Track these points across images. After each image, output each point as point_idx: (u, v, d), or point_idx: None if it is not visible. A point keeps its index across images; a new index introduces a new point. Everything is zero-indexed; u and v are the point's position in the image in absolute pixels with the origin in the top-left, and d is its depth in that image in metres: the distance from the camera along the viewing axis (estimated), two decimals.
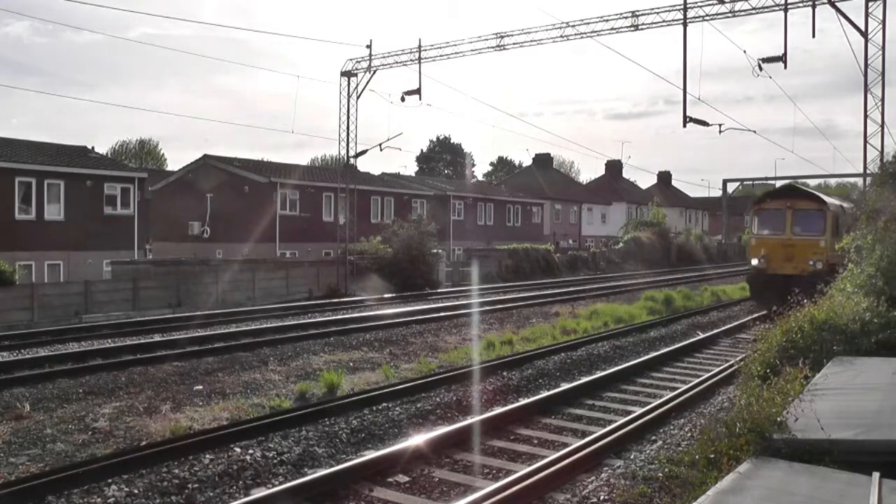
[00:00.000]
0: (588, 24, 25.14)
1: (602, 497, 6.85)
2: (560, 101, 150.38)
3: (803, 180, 34.63)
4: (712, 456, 6.22)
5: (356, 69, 31.11)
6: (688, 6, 23.09)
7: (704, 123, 23.35)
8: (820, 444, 5.61)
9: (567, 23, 25.55)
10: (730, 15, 22.94)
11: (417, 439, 8.50)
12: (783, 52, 21.81)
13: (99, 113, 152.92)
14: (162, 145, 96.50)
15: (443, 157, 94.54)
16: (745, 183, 73.02)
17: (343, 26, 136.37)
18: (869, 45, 21.22)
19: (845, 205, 24.40)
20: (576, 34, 25.54)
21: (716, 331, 18.28)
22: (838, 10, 21.35)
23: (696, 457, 6.60)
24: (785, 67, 21.90)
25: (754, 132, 28.56)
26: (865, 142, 21.34)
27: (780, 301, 18.73)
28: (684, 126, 22.66)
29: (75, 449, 8.63)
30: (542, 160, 76.08)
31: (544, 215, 63.58)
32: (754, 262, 22.25)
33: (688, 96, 22.71)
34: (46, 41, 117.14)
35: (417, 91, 28.62)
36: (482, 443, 8.77)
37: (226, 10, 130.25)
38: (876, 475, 5.07)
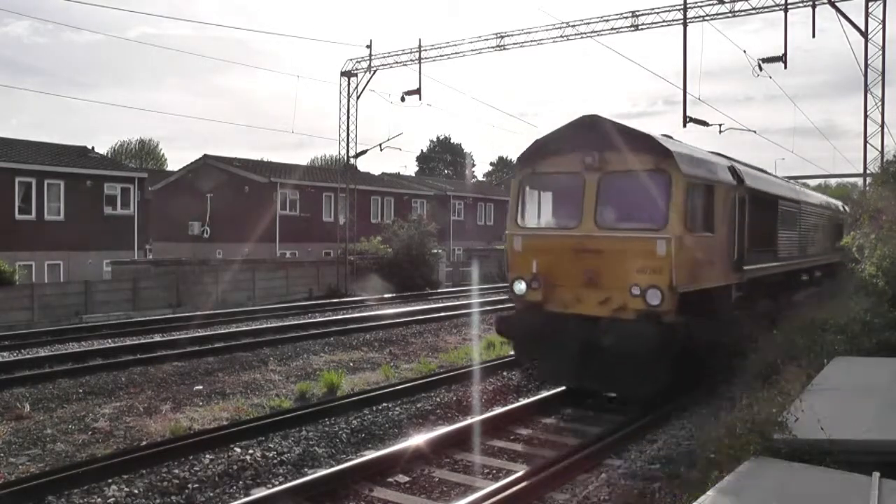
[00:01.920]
0: (588, 24, 25.15)
1: (602, 497, 6.85)
2: (560, 101, 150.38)
3: (804, 180, 34.39)
4: (712, 456, 6.21)
5: (356, 69, 31.12)
6: (688, 6, 23.09)
7: (704, 123, 23.31)
8: (820, 444, 5.60)
9: (567, 23, 25.58)
10: (730, 15, 22.94)
11: (417, 439, 8.49)
12: (783, 52, 21.80)
13: (99, 113, 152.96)
14: (162, 145, 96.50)
15: (443, 157, 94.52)
16: None
17: (343, 26, 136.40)
18: (869, 45, 21.22)
19: (741, 166, 12.72)
20: (576, 34, 25.55)
21: None
22: (838, 10, 21.34)
23: (697, 456, 6.60)
24: (785, 67, 21.88)
25: (754, 132, 28.46)
26: (865, 142, 21.34)
27: (577, 373, 10.11)
28: (684, 126, 22.61)
29: (75, 449, 8.63)
30: None
31: None
32: (518, 287, 10.61)
33: (688, 96, 22.69)
34: (46, 41, 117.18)
35: (417, 91, 28.63)
36: (482, 443, 8.76)
37: (226, 9, 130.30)
38: (876, 475, 5.06)
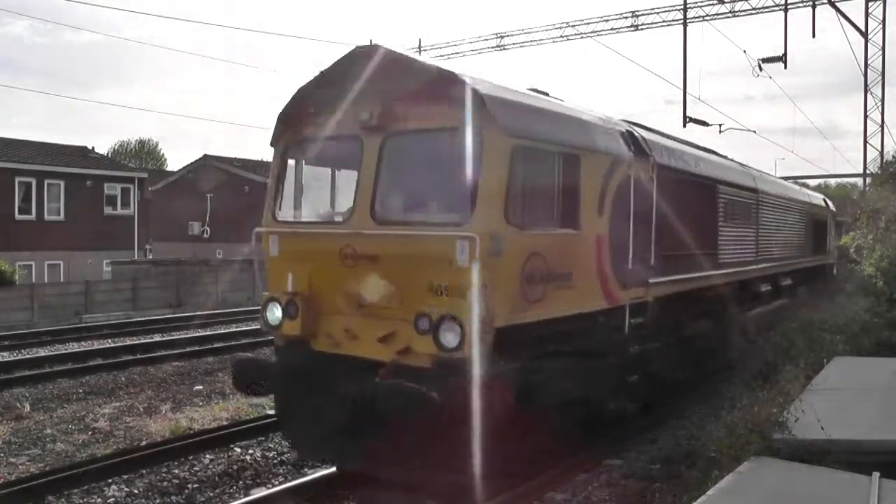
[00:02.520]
0: (588, 24, 25.21)
1: (602, 497, 6.84)
2: None
3: (803, 180, 34.41)
4: (712, 456, 6.22)
5: None
6: (688, 6, 23.12)
7: (704, 123, 23.32)
8: (820, 444, 5.61)
9: (567, 23, 25.65)
10: (730, 15, 22.99)
11: None
12: (783, 52, 21.81)
13: (99, 113, 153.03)
14: (162, 145, 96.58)
15: None
16: None
17: (343, 26, 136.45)
18: (869, 45, 21.27)
19: (654, 135, 9.31)
20: (576, 34, 25.60)
21: None
22: (838, 11, 21.39)
23: (697, 456, 6.61)
24: (785, 67, 21.91)
25: (754, 132, 28.45)
26: (865, 142, 21.41)
27: (343, 448, 6.56)
28: (684, 126, 22.65)
29: (75, 449, 8.63)
30: None
31: None
32: (272, 314, 7.05)
33: (688, 96, 22.71)
34: (46, 41, 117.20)
35: None
36: None
37: (227, 10, 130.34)
38: (876, 475, 5.06)
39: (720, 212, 10.79)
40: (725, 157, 12.66)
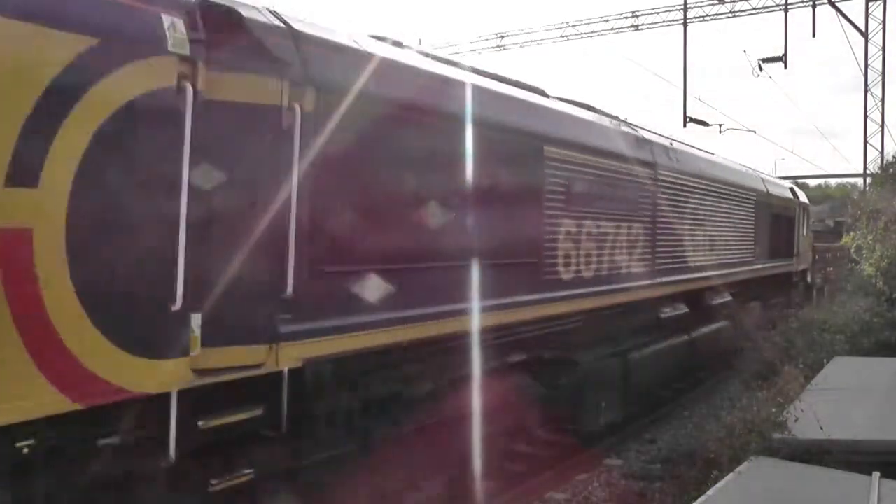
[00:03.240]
0: (588, 24, 25.26)
1: (602, 497, 6.86)
2: None
3: (803, 181, 34.53)
4: (712, 456, 6.23)
5: None
6: (688, 6, 23.15)
7: (704, 123, 23.31)
8: (819, 444, 5.62)
9: (567, 23, 25.69)
10: (730, 15, 23.02)
11: None
12: (783, 52, 21.82)
13: None
14: None
15: None
16: None
17: (341, 26, 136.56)
18: (869, 45, 21.30)
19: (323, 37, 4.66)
20: (576, 34, 25.64)
21: None
22: (838, 10, 21.41)
23: (697, 456, 6.62)
24: (785, 67, 21.87)
25: (754, 132, 28.44)
26: (865, 142, 21.45)
27: None
28: (684, 126, 22.62)
29: None
30: None
31: None
32: None
33: (688, 96, 22.71)
34: None
35: None
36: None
37: None
38: (876, 475, 5.07)
39: (550, 194, 6.58)
40: (604, 113, 8.41)
